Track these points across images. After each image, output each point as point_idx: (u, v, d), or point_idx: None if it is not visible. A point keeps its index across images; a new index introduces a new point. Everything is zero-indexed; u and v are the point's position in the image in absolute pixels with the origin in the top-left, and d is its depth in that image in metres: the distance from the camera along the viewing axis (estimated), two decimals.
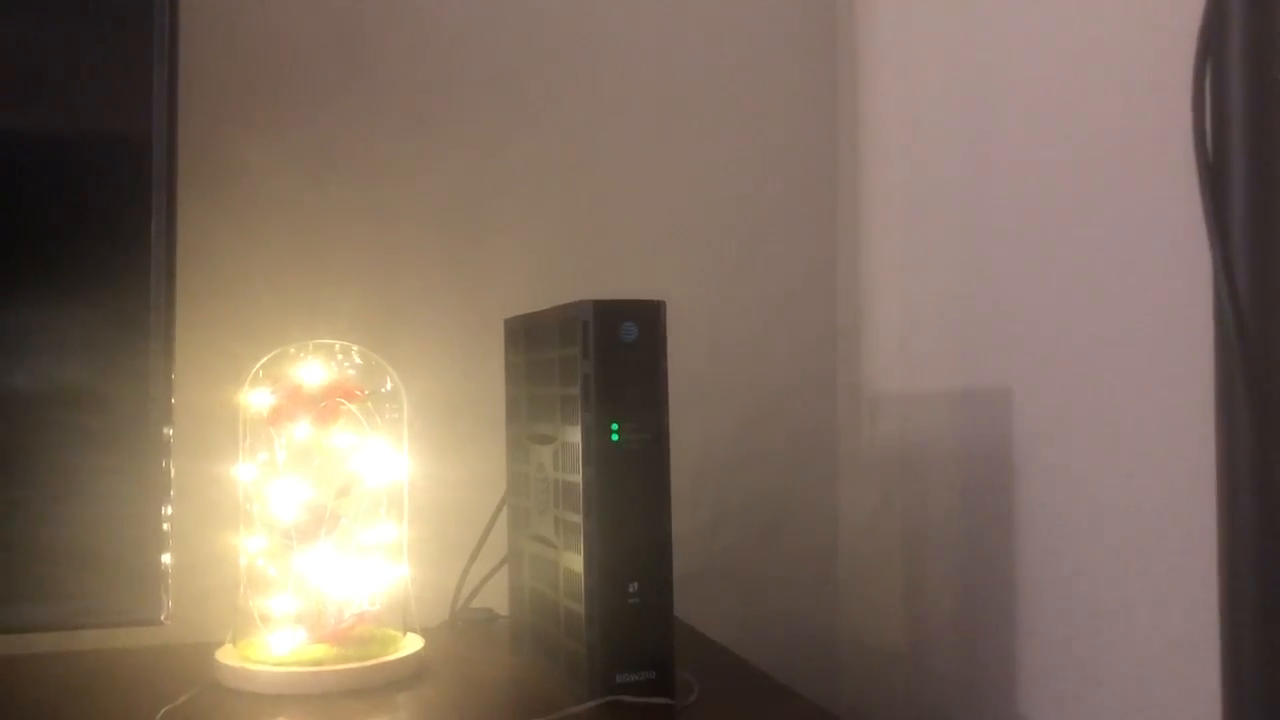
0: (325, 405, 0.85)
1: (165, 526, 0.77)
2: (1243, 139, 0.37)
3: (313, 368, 0.87)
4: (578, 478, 0.76)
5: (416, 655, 0.86)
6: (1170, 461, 0.73)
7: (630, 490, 0.76)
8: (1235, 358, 0.36)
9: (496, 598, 0.99)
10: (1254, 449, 0.36)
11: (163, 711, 0.75)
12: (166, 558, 0.77)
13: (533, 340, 0.87)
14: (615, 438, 0.76)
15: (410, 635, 0.89)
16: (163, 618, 0.77)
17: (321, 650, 0.83)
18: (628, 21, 1.14)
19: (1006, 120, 0.90)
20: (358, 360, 0.89)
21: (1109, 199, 0.79)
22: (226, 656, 0.83)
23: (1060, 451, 0.83)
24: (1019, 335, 0.88)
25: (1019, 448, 0.88)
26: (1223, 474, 0.39)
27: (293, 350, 0.88)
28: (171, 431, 0.78)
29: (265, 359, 0.87)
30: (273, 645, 0.83)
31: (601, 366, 0.75)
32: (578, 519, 0.76)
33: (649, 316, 0.77)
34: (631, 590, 0.76)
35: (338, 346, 0.90)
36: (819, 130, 1.19)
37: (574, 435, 0.77)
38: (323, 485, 0.86)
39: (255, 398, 0.86)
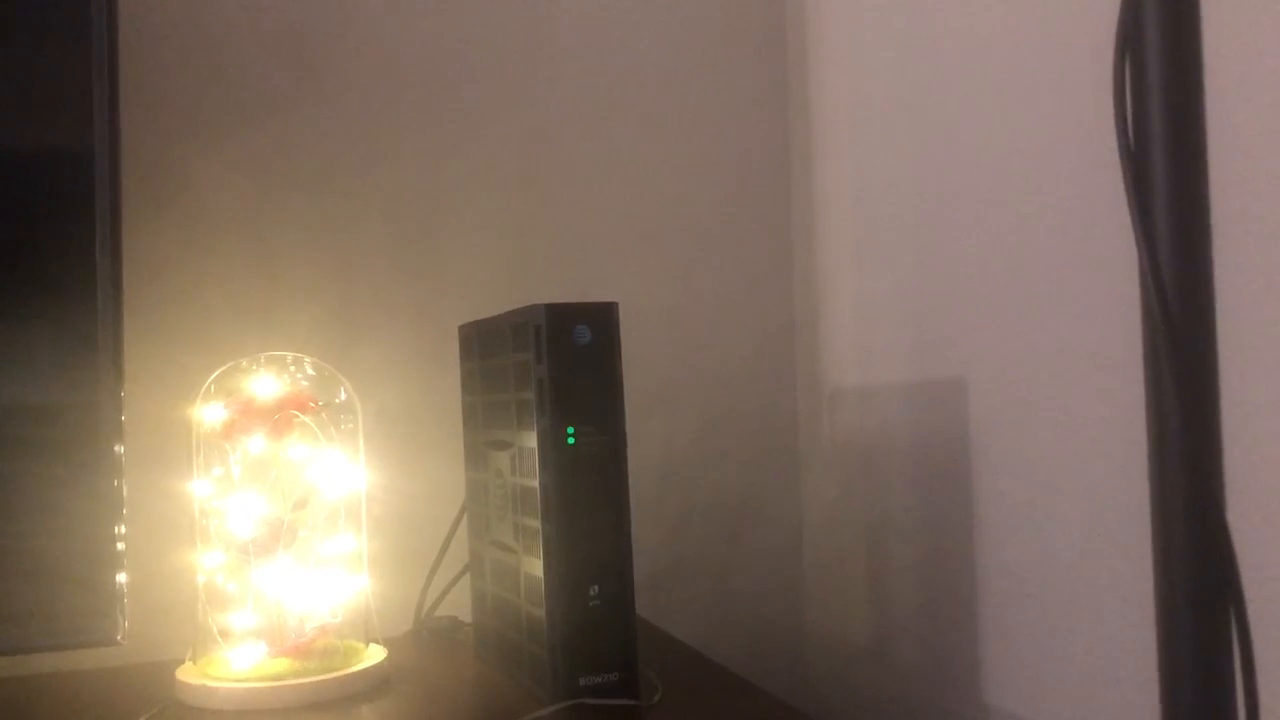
0: (279, 417, 0.85)
1: (119, 545, 0.76)
2: (1162, 126, 0.38)
3: (265, 380, 0.86)
4: (535, 482, 0.76)
5: (379, 666, 0.85)
6: (1122, 446, 0.74)
7: (588, 493, 0.76)
8: (1162, 341, 0.37)
9: (461, 605, 0.98)
10: (1180, 428, 0.37)
11: None
12: (122, 576, 0.76)
13: (486, 346, 0.87)
14: (572, 441, 0.75)
15: (373, 646, 0.88)
16: (119, 637, 0.77)
17: (283, 664, 0.82)
18: (577, 25, 1.14)
19: (955, 117, 0.91)
20: (310, 371, 0.89)
21: (1055, 193, 0.80)
22: (187, 674, 0.82)
23: (1014, 439, 0.84)
24: (971, 327, 0.89)
25: (975, 437, 0.89)
26: (1154, 456, 0.40)
27: (245, 363, 0.87)
28: (123, 448, 0.77)
29: (217, 372, 0.87)
30: (234, 661, 0.82)
31: (555, 370, 0.75)
32: (536, 523, 0.76)
33: (601, 318, 0.77)
34: (592, 593, 0.76)
35: (290, 358, 0.89)
36: (770, 128, 1.20)
37: (530, 440, 0.77)
38: (279, 498, 0.85)
39: (208, 412, 0.85)
